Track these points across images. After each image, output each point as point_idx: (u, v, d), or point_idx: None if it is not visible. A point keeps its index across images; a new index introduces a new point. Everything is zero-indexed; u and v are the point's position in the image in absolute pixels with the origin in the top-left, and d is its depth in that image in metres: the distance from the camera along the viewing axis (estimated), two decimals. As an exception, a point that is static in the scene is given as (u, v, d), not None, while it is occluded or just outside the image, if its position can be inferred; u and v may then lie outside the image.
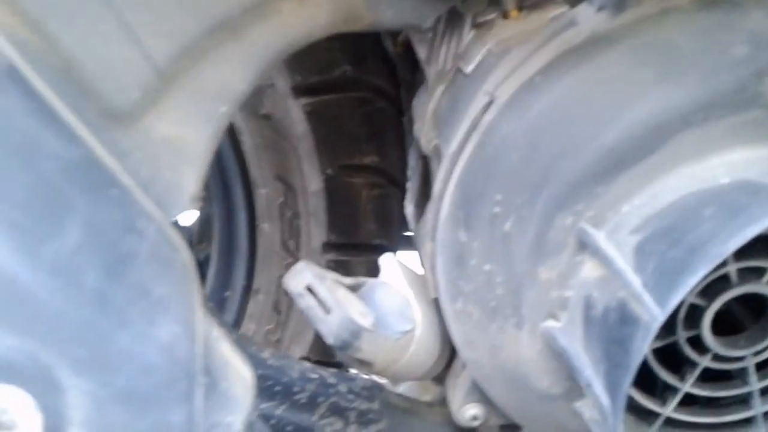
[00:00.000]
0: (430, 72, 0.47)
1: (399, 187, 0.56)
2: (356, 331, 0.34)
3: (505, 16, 0.42)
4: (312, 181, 0.51)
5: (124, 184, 0.28)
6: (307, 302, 0.34)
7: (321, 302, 0.34)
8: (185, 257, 0.29)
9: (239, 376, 0.30)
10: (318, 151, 0.50)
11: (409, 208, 0.43)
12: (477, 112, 0.36)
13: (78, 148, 0.28)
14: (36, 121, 0.26)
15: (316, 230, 0.53)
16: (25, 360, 0.21)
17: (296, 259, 0.54)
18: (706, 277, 0.30)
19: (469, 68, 0.41)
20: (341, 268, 0.54)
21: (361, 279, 0.39)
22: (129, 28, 0.31)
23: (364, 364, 0.37)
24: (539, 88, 0.34)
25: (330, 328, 0.33)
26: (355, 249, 0.53)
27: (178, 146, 0.34)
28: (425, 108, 0.47)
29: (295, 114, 0.50)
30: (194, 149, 0.34)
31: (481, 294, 0.36)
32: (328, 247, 0.53)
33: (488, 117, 0.35)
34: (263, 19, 0.35)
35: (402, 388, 0.50)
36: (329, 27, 0.37)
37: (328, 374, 0.42)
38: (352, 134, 0.50)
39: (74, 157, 0.27)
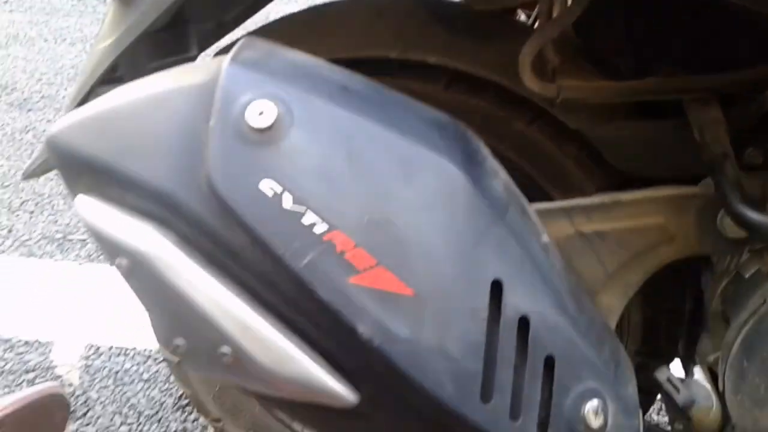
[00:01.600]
0: (717, 267, 0.83)
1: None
2: (691, 402, 0.71)
3: (769, 250, 0.78)
4: (636, 317, 0.89)
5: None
6: (667, 387, 0.71)
7: (674, 385, 0.72)
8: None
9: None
10: (643, 298, 0.88)
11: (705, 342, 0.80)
12: (757, 305, 0.72)
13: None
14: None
15: (632, 344, 0.90)
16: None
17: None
18: None
19: (747, 275, 0.77)
20: (642, 366, 0.91)
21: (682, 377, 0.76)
22: (601, 258, 0.72)
23: (686, 420, 0.74)
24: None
25: (681, 399, 0.71)
26: (652, 356, 0.90)
27: (609, 310, 0.74)
28: (715, 285, 0.83)
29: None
30: (616, 311, 0.74)
31: (753, 393, 0.71)
32: (636, 353, 0.91)
33: (764, 309, 0.71)
34: (655, 250, 0.73)
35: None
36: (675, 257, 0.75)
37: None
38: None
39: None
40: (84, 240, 1.66)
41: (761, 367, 0.70)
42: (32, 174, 0.92)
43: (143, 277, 0.57)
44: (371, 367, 0.56)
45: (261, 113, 0.54)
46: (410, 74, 0.80)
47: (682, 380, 0.73)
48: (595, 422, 0.59)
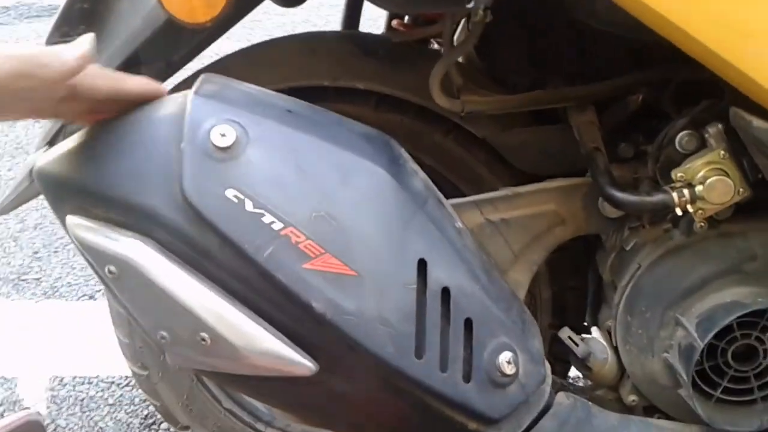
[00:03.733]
0: (607, 244, 0.99)
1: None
2: (588, 354, 0.85)
3: (643, 226, 0.94)
4: (546, 294, 1.03)
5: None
6: (568, 342, 0.86)
7: (574, 341, 0.86)
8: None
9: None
10: (550, 278, 1.03)
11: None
12: (635, 270, 0.87)
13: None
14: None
15: (544, 318, 1.05)
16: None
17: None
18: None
19: (628, 247, 0.93)
20: (555, 338, 1.05)
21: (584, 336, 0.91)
22: (507, 241, 0.86)
23: (588, 370, 0.88)
24: (662, 262, 0.85)
25: (579, 352, 0.85)
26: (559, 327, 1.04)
27: (518, 284, 0.88)
28: (605, 259, 0.98)
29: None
30: (524, 285, 0.88)
31: (637, 342, 0.86)
32: (549, 326, 1.05)
33: (639, 272, 0.86)
34: (551, 232, 0.88)
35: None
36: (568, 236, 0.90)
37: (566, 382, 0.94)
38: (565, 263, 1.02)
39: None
40: (38, 279, 1.72)
41: (641, 320, 0.85)
42: (3, 211, 1.02)
43: (130, 281, 0.67)
44: (325, 338, 0.67)
45: (223, 135, 0.66)
46: (343, 99, 0.93)
47: (582, 338, 0.88)
48: (509, 370, 0.73)
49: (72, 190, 0.68)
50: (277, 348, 0.67)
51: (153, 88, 0.69)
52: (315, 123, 0.72)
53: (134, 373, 1.11)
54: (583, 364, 0.85)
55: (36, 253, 1.80)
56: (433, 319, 0.69)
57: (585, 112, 0.87)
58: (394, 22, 1.11)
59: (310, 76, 0.91)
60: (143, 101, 0.68)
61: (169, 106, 0.69)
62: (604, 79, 0.89)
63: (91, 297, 1.65)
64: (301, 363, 0.68)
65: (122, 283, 0.67)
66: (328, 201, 0.67)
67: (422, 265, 0.69)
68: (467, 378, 0.70)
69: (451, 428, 0.73)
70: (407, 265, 0.68)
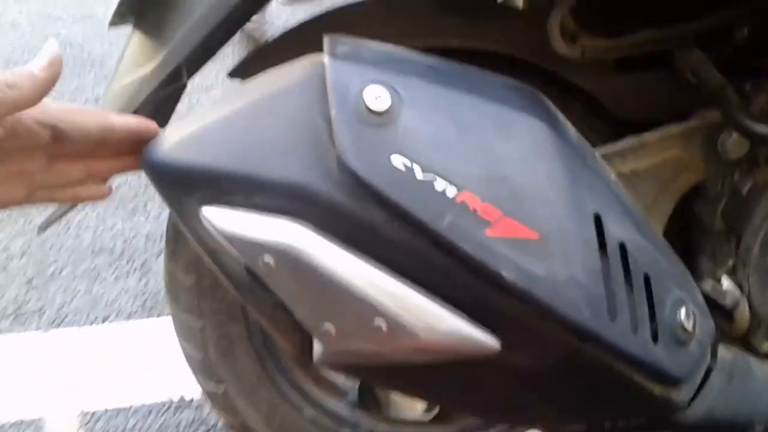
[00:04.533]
0: (711, 191, 0.95)
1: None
2: (737, 302, 0.81)
3: (758, 165, 0.91)
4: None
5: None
6: (714, 294, 0.81)
7: (719, 292, 0.82)
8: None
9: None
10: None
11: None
12: (763, 218, 0.83)
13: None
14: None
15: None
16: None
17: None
18: None
19: (745, 190, 0.89)
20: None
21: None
22: (639, 193, 0.81)
23: (731, 321, 0.84)
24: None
25: (729, 302, 0.81)
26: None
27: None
28: (713, 208, 0.94)
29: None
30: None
31: (776, 284, 0.83)
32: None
33: None
34: (678, 179, 0.83)
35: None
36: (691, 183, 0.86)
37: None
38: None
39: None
40: (40, 309, 1.57)
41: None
42: (45, 226, 0.91)
43: (290, 270, 0.58)
44: (512, 310, 0.60)
45: (378, 97, 0.58)
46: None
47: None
48: (689, 325, 0.68)
49: (204, 178, 0.59)
50: (459, 327, 0.60)
51: (145, 125, 0.59)
52: (459, 78, 0.65)
53: (207, 392, 1.01)
54: (727, 315, 0.81)
55: (30, 281, 1.64)
56: (616, 278, 0.63)
57: (692, 52, 0.82)
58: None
59: (401, 37, 0.83)
60: (136, 142, 0.59)
61: (299, 73, 0.61)
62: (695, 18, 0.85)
63: (105, 319, 1.52)
64: (485, 342, 0.61)
65: (280, 275, 0.59)
66: (495, 160, 0.60)
67: (598, 220, 0.63)
68: (656, 338, 0.65)
69: (633, 396, 0.67)
70: (586, 222, 0.62)
